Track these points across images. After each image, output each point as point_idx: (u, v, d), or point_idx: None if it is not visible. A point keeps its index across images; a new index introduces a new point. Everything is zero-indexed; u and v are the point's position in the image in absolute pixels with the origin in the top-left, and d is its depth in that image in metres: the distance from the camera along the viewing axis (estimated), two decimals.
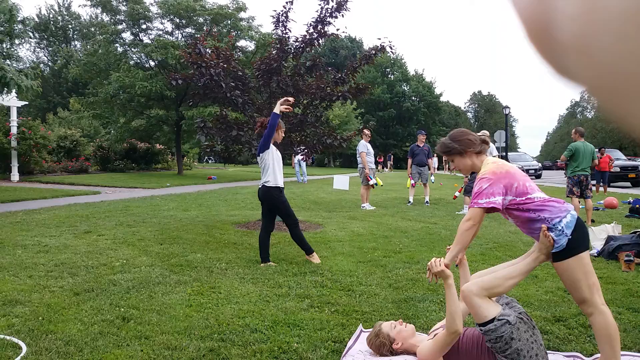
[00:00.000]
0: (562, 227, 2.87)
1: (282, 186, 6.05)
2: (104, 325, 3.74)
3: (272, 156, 5.99)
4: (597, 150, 18.02)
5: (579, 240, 2.87)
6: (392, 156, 47.73)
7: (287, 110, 5.88)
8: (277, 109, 5.74)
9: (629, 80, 0.31)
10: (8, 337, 3.45)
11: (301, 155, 9.62)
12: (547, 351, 3.04)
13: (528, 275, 3.02)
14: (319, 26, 8.71)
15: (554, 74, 0.37)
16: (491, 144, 13.36)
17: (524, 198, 2.97)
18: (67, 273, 5.26)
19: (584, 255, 2.87)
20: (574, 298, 2.92)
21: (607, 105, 0.34)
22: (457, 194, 11.96)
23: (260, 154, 5.98)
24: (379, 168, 43.18)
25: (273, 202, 5.98)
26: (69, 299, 4.39)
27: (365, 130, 12.17)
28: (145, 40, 26.41)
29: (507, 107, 33.45)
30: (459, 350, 2.98)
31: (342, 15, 8.73)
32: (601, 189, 17.34)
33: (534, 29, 0.36)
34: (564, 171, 11.83)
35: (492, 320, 2.78)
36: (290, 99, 5.85)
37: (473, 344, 2.98)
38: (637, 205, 10.59)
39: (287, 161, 9.82)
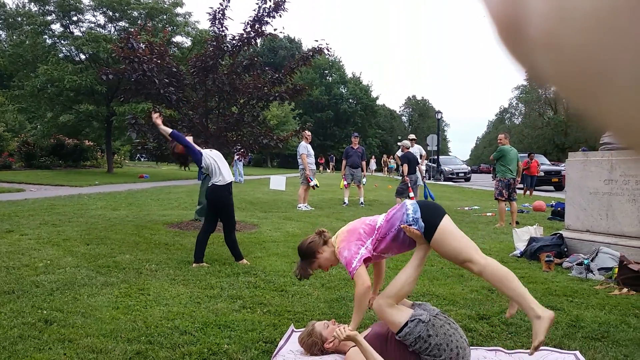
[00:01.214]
0: (412, 217, 3.12)
1: (231, 181, 6.02)
2: (24, 328, 3.57)
3: (211, 156, 5.93)
4: (527, 155, 18.88)
5: (431, 215, 3.13)
6: (333, 157, 48.09)
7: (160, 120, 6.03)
8: (163, 128, 5.93)
9: (597, 77, 0.32)
10: None
11: (237, 154, 9.54)
12: (471, 347, 3.15)
13: (422, 267, 3.17)
14: (257, 25, 8.66)
15: (523, 72, 0.37)
16: (418, 146, 13.78)
17: (376, 231, 3.19)
18: None
19: (444, 224, 3.09)
20: (459, 264, 3.10)
21: (574, 102, 0.35)
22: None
23: (202, 165, 5.93)
24: (320, 169, 43.39)
25: (223, 202, 5.92)
26: None
27: (305, 132, 12.21)
28: (76, 32, 25.46)
29: (439, 112, 34.40)
30: (387, 347, 3.02)
31: (280, 16, 8.72)
32: (528, 192, 18.15)
33: (504, 26, 0.36)
34: (491, 175, 12.28)
35: (406, 324, 2.88)
36: (154, 115, 6.07)
37: (401, 342, 3.04)
38: (559, 209, 11.14)
39: (228, 159, 9.70)
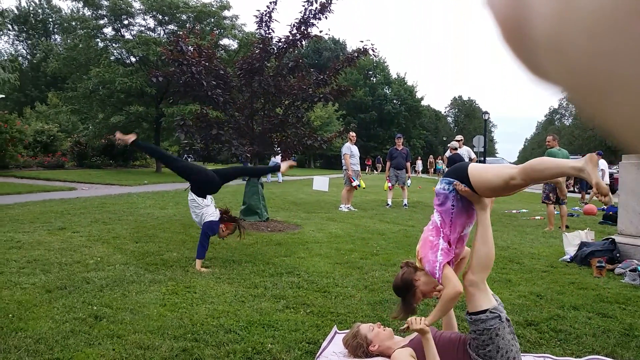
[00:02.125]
0: (446, 185, 3.03)
1: None
2: (75, 323, 3.69)
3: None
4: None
5: (456, 170, 3.08)
6: (380, 158, 47.87)
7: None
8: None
9: (601, 79, 0.31)
10: None
11: (279, 156, 9.61)
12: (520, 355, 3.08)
13: (490, 226, 3.02)
14: (303, 27, 8.71)
15: (528, 74, 0.37)
16: (466, 147, 13.52)
17: (440, 227, 3.04)
18: (39, 270, 5.18)
19: (471, 168, 3.00)
20: (508, 191, 2.96)
21: (581, 104, 0.34)
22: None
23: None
24: (367, 171, 43.24)
25: None
26: (41, 296, 4.32)
27: (350, 133, 12.21)
28: (127, 36, 26.21)
29: (486, 112, 33.76)
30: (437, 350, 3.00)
31: (326, 17, 8.75)
32: (588, 195, 17.25)
33: (508, 28, 0.36)
34: None
35: (484, 311, 2.83)
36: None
37: (449, 346, 3.01)
38: (611, 213, 10.77)
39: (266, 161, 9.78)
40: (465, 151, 13.40)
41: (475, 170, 2.99)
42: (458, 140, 12.98)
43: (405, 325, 2.95)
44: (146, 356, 3.16)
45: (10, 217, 8.71)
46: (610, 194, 2.85)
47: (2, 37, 50.39)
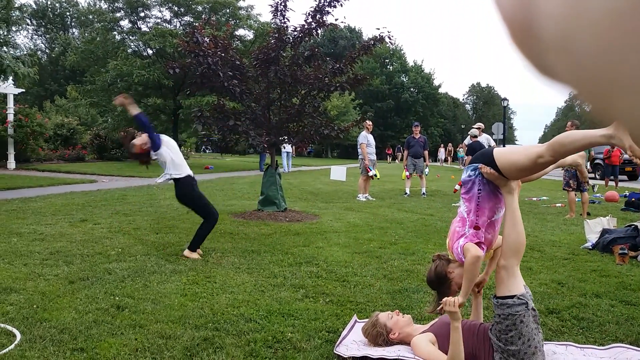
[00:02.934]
0: (472, 170, 3.00)
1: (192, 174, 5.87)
2: (98, 313, 3.75)
3: (167, 146, 5.71)
4: None
5: (482, 156, 3.03)
6: (400, 147, 47.64)
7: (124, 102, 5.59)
8: (133, 109, 5.51)
9: (609, 76, 0.31)
10: (2, 325, 3.46)
11: (289, 145, 9.61)
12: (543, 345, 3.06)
13: (519, 209, 2.98)
14: (318, 16, 8.66)
15: (536, 73, 0.37)
16: (486, 135, 13.35)
17: (466, 216, 2.99)
18: (62, 261, 5.26)
19: (496, 151, 2.97)
20: (537, 168, 2.92)
21: (589, 102, 0.34)
22: (457, 187, 11.95)
23: (157, 151, 5.64)
24: (388, 160, 43.06)
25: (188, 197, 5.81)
26: (64, 287, 4.39)
27: (367, 122, 12.15)
28: (144, 28, 26.35)
29: (505, 99, 33.45)
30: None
31: (341, 5, 8.69)
32: (612, 182, 16.94)
33: (516, 29, 0.36)
34: None
35: (512, 297, 2.82)
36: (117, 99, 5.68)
37: (469, 334, 3.00)
38: (633, 199, 10.61)
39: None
40: (484, 139, 13.26)
41: (501, 152, 2.96)
42: (477, 128, 12.85)
43: (440, 306, 2.94)
44: (168, 345, 3.20)
45: (32, 209, 8.85)
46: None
47: (21, 31, 50.97)
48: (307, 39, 8.90)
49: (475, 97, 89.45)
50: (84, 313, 3.75)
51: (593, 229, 6.75)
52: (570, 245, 6.68)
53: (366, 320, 3.46)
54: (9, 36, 16.94)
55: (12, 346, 3.13)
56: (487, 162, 2.94)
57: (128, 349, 3.12)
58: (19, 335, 3.29)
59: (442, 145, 46.72)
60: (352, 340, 3.32)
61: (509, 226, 2.92)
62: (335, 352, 3.12)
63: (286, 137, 9.19)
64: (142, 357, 3.03)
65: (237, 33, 26.44)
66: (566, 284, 4.73)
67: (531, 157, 2.80)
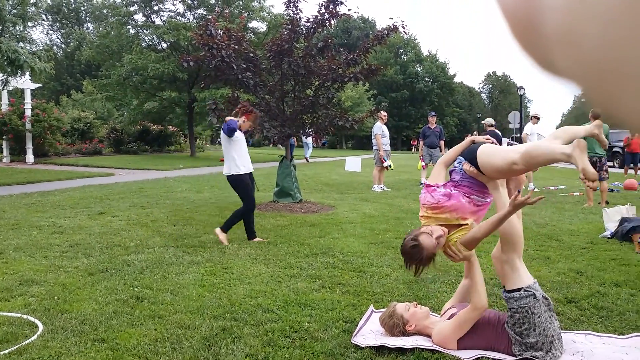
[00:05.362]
0: (457, 167, 3.15)
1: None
2: (118, 304, 3.80)
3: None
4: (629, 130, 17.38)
5: (470, 152, 3.10)
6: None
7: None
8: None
9: (615, 69, 0.31)
10: (25, 316, 3.52)
11: (310, 137, 9.61)
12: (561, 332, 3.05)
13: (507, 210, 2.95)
14: (331, 6, 8.62)
15: (539, 68, 0.37)
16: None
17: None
18: (81, 254, 5.33)
19: (480, 150, 3.01)
20: (512, 174, 3.01)
21: (593, 97, 0.34)
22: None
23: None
24: (413, 151, 42.97)
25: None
26: (84, 279, 4.46)
27: (381, 113, 12.09)
28: (157, 21, 26.42)
29: (521, 87, 33.06)
30: (475, 332, 3.01)
31: None
32: (631, 171, 16.59)
33: (519, 23, 0.36)
34: None
35: (518, 290, 2.83)
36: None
37: (488, 326, 3.02)
38: None
39: (299, 143, 9.81)
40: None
41: (484, 151, 2.99)
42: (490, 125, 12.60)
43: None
44: (187, 335, 3.23)
45: (51, 203, 8.97)
46: (598, 179, 2.86)
47: (37, 27, 51.49)
48: (320, 30, 8.87)
49: (491, 86, 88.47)
50: (103, 304, 3.80)
51: (612, 217, 6.67)
52: (588, 234, 6.61)
53: (383, 310, 3.47)
54: (25, 32, 17.06)
55: (35, 337, 3.19)
56: (471, 158, 3.01)
57: (148, 339, 3.17)
58: (41, 326, 3.35)
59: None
60: (370, 330, 3.33)
61: (503, 223, 2.92)
62: (352, 341, 3.13)
63: (306, 129, 9.19)
64: (162, 347, 3.07)
65: (250, 25, 26.41)
66: (585, 273, 4.69)
67: (507, 162, 2.85)
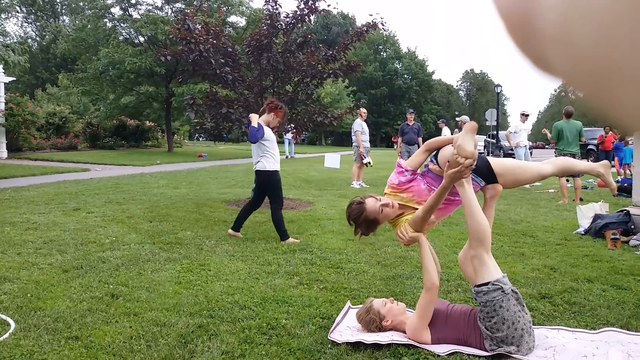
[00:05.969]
0: (426, 166, 3.40)
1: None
2: (92, 302, 3.75)
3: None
4: (603, 128, 17.61)
5: (482, 161, 3.22)
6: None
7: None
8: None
9: (610, 68, 0.31)
10: None
11: (290, 133, 9.59)
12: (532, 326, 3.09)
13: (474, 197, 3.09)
14: (310, 1, 8.60)
15: (533, 67, 0.37)
16: (445, 128, 13.42)
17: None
18: (56, 250, 5.25)
19: (500, 163, 3.32)
20: (531, 181, 3.38)
21: (589, 97, 0.34)
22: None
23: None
24: (395, 147, 43.12)
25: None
26: (58, 276, 4.39)
27: (361, 109, 12.11)
28: (135, 15, 26.06)
29: (498, 85, 33.41)
30: (446, 322, 3.06)
31: None
32: (613, 169, 16.88)
33: (514, 22, 0.36)
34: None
35: (486, 284, 2.87)
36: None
37: (460, 317, 3.06)
38: (626, 184, 10.66)
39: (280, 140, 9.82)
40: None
41: (507, 168, 3.25)
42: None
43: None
44: (163, 333, 3.21)
45: (25, 198, 8.82)
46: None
47: (11, 19, 50.43)
48: (299, 25, 8.84)
49: (468, 83, 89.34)
50: (78, 302, 3.75)
51: (585, 214, 6.79)
52: (562, 230, 6.72)
53: (360, 306, 3.49)
54: None
55: (7, 335, 3.13)
56: (482, 166, 3.17)
57: (123, 337, 3.13)
58: (13, 324, 3.29)
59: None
60: (346, 326, 3.34)
61: (467, 216, 3.01)
62: (329, 338, 3.14)
63: (286, 125, 9.17)
64: (137, 345, 3.04)
65: (229, 20, 26.23)
66: (558, 269, 4.77)
67: (537, 177, 3.39)
